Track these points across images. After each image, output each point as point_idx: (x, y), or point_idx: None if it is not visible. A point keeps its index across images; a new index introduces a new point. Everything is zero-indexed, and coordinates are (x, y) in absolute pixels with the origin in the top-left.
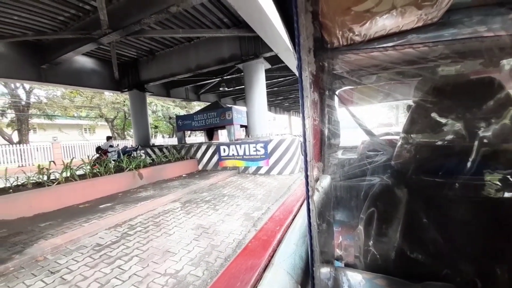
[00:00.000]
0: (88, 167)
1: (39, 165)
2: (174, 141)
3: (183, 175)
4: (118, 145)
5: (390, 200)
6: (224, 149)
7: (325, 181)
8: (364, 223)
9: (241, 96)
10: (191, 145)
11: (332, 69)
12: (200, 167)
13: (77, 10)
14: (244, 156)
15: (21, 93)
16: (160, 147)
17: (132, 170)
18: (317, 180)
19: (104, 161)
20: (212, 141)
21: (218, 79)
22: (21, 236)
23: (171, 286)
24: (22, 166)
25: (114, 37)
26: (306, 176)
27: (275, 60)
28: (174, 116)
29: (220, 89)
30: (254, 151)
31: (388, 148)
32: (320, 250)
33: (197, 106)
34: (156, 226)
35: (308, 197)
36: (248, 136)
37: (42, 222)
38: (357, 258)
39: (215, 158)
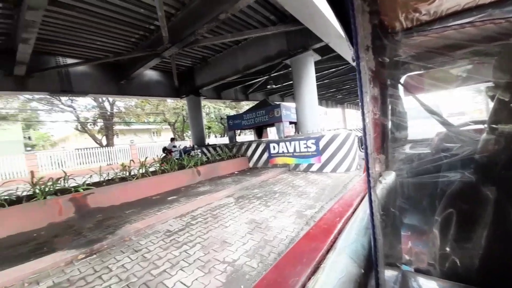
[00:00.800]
0: (158, 165)
1: (122, 164)
2: (225, 140)
3: (235, 172)
4: (180, 145)
5: (474, 200)
6: (274, 147)
7: (390, 177)
8: (440, 226)
9: (289, 92)
10: (242, 143)
11: (394, 56)
12: (251, 164)
13: (145, 31)
14: (295, 153)
15: (107, 105)
16: (214, 146)
17: (192, 167)
18: (379, 174)
19: (169, 160)
20: (262, 139)
21: (265, 77)
22: (112, 220)
23: (229, 273)
24: (110, 164)
25: (173, 50)
26: (368, 168)
27: (325, 50)
28: (225, 117)
29: (268, 87)
30: (304, 147)
31: (471, 140)
32: (384, 249)
33: (245, 105)
34: (214, 218)
35: (369, 187)
36: (298, 133)
37: (127, 209)
38: (431, 265)
39: (265, 155)
